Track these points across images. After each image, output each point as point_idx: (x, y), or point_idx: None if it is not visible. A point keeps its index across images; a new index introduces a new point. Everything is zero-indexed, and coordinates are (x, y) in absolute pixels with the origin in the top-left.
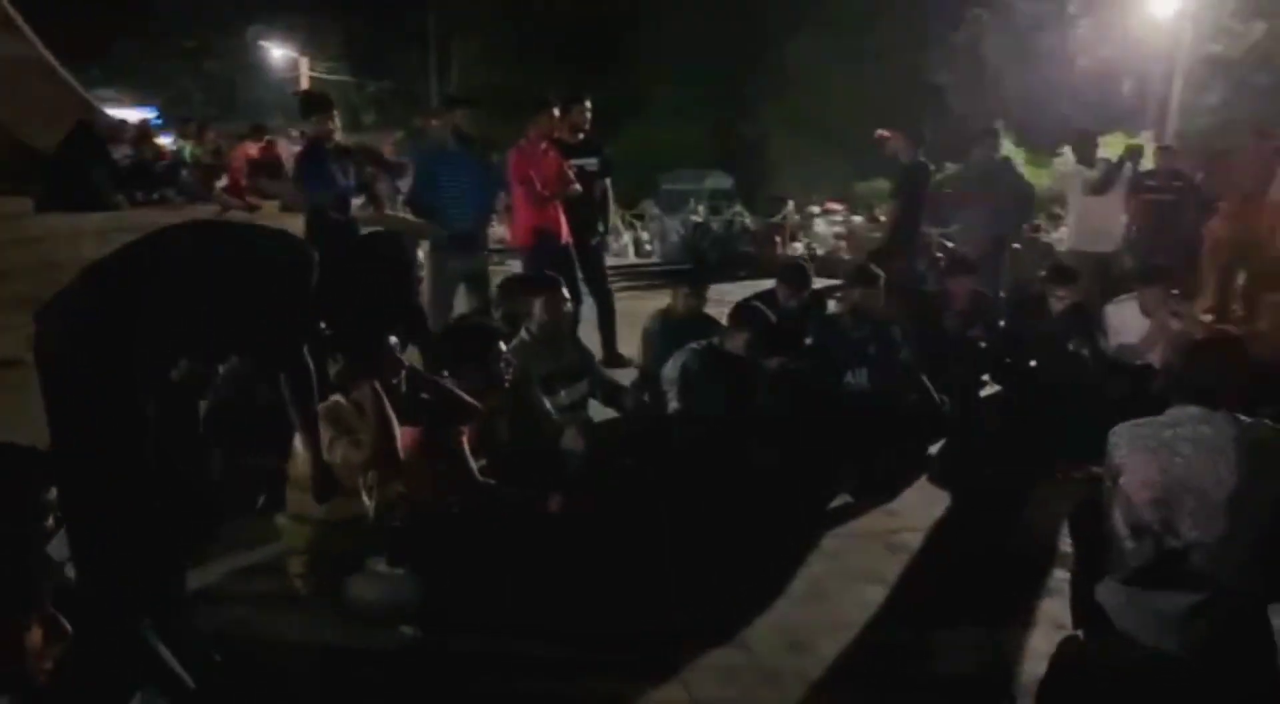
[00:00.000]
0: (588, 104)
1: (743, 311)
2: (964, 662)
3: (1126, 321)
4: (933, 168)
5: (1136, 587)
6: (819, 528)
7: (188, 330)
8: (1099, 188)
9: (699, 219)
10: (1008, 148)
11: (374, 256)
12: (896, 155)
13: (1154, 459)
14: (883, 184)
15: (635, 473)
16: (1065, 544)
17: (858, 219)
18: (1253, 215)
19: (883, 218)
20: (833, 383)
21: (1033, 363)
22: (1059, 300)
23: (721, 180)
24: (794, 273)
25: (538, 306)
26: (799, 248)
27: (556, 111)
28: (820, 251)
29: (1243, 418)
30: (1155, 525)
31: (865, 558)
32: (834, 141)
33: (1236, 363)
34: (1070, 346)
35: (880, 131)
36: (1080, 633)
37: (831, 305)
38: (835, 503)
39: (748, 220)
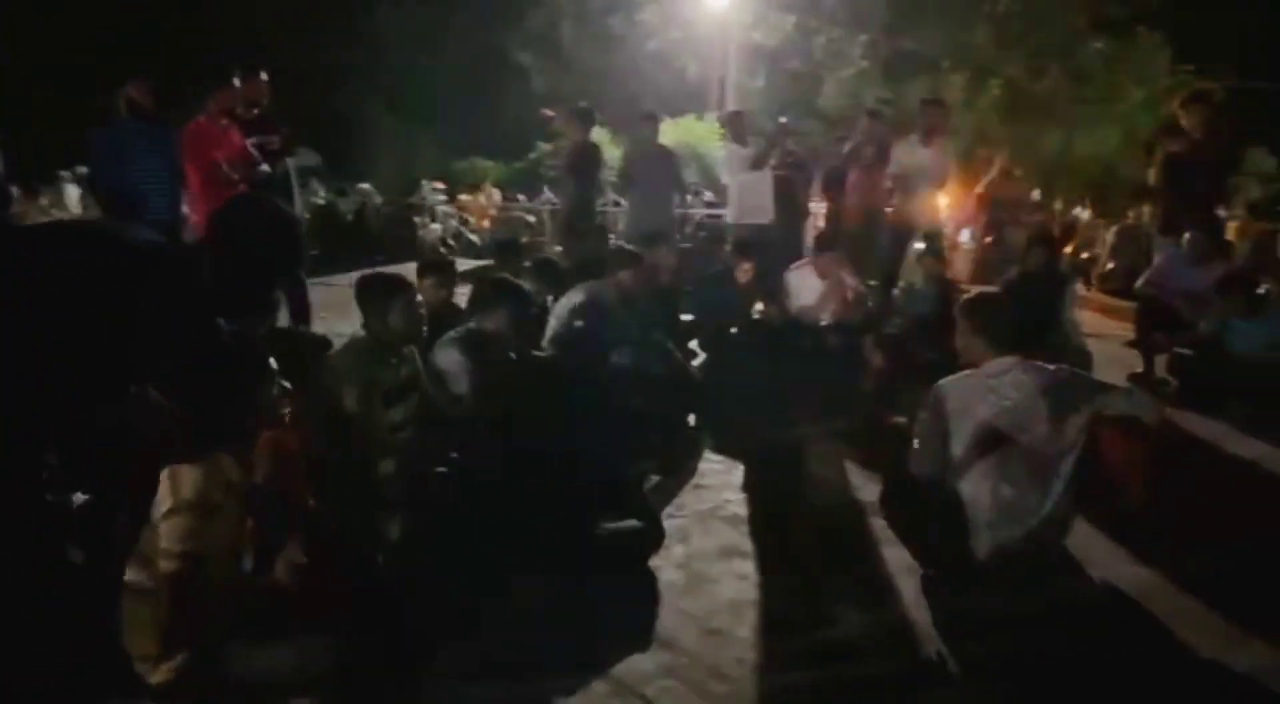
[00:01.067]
0: (264, 76)
1: (496, 286)
2: (860, 621)
3: (804, 286)
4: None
5: (977, 522)
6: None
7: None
8: (755, 164)
9: (321, 201)
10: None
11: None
12: (566, 134)
13: (983, 407)
14: (483, 162)
15: (453, 483)
16: (862, 493)
17: (465, 197)
18: (871, 188)
19: (521, 197)
20: (601, 364)
21: (733, 330)
22: (744, 273)
23: (308, 157)
24: (547, 268)
25: (396, 310)
26: (437, 230)
27: (237, 82)
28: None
29: (1045, 364)
30: (990, 466)
31: (713, 534)
32: (427, 118)
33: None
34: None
35: (545, 111)
36: (931, 572)
37: None
38: (647, 485)
39: (379, 201)
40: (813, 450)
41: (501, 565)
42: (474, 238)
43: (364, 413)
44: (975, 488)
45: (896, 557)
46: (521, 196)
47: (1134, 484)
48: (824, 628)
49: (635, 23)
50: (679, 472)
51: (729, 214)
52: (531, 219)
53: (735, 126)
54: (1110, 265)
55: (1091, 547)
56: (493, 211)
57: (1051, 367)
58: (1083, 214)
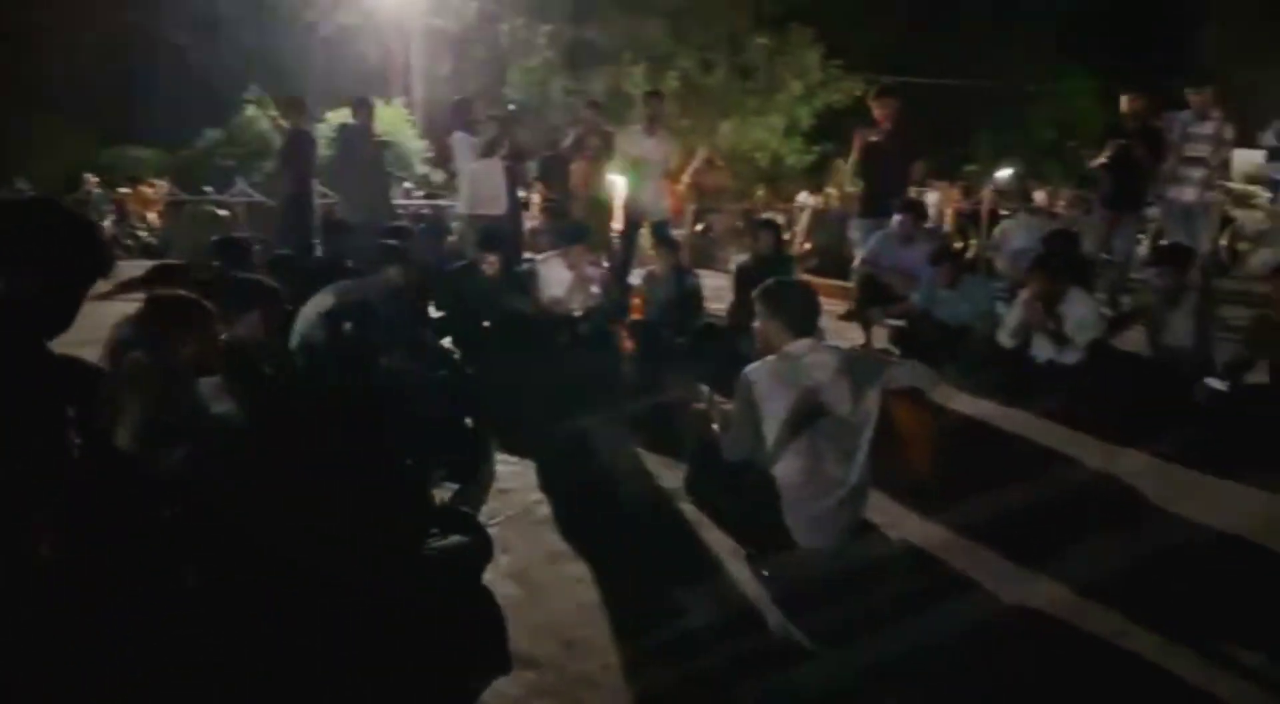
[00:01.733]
0: None
1: (246, 288)
2: (707, 607)
3: (553, 277)
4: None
5: (790, 498)
6: None
7: None
8: (486, 152)
9: None
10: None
11: None
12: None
13: (793, 388)
14: (139, 151)
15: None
16: (662, 479)
17: (126, 190)
18: (596, 178)
19: (208, 189)
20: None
21: (485, 323)
22: (490, 265)
23: None
24: (284, 265)
25: (193, 337)
26: (108, 228)
27: None
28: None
29: (837, 344)
30: (804, 443)
31: (534, 539)
32: (67, 105)
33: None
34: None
35: (247, 97)
36: (753, 551)
37: None
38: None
39: None
40: (599, 441)
41: (326, 599)
42: (147, 235)
43: (141, 451)
44: (790, 465)
45: (716, 539)
46: (209, 188)
47: (921, 448)
48: (674, 620)
49: (308, 3)
50: (476, 477)
51: (461, 205)
52: (224, 212)
53: (465, 113)
54: (807, 246)
55: (884, 509)
56: (160, 206)
57: (844, 346)
58: (808, 200)
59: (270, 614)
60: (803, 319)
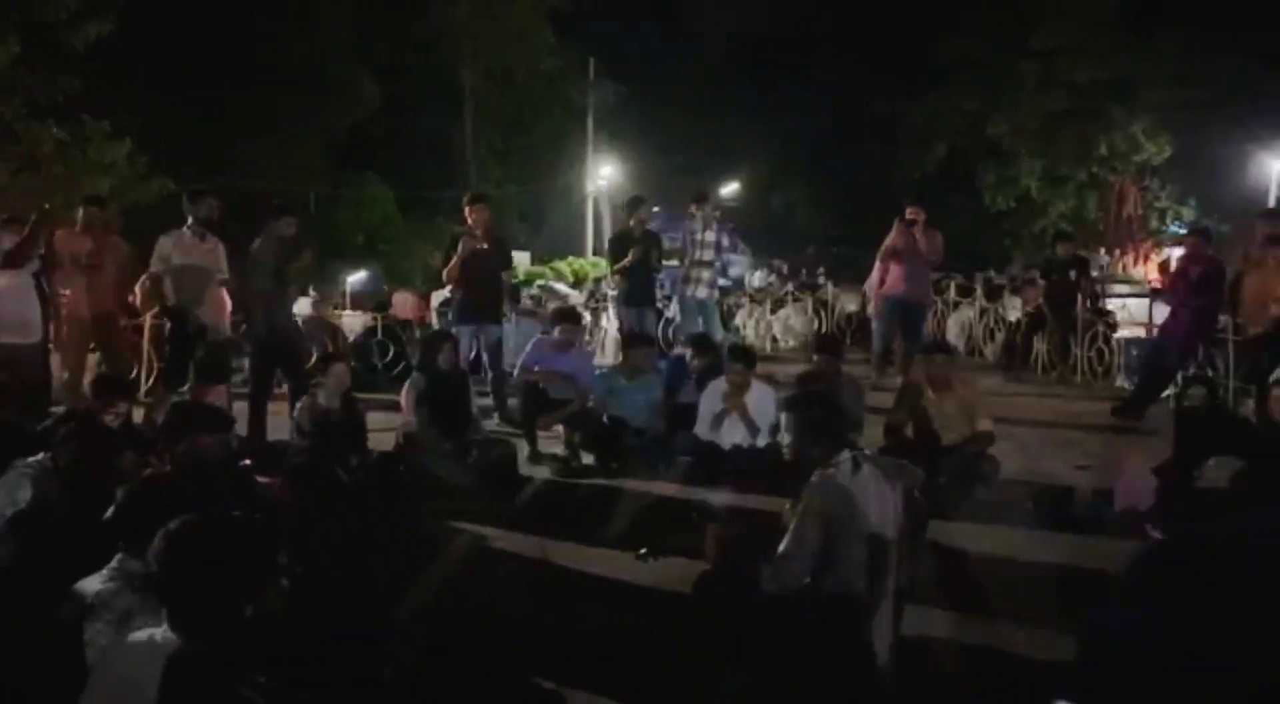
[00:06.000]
0: None
1: None
2: None
3: None
4: None
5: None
6: None
7: None
8: (10, 262)
9: None
10: None
11: None
12: None
13: (857, 501)
14: None
15: None
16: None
17: None
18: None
19: None
20: None
21: None
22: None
23: None
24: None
25: None
26: None
27: None
28: None
29: (862, 449)
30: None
31: None
32: None
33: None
34: None
35: None
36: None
37: None
38: None
39: None
40: None
41: None
42: None
43: None
44: (860, 583)
45: None
46: None
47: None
48: None
49: None
50: None
51: None
52: None
53: None
54: None
55: None
56: None
57: (866, 451)
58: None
59: None
60: (841, 431)
